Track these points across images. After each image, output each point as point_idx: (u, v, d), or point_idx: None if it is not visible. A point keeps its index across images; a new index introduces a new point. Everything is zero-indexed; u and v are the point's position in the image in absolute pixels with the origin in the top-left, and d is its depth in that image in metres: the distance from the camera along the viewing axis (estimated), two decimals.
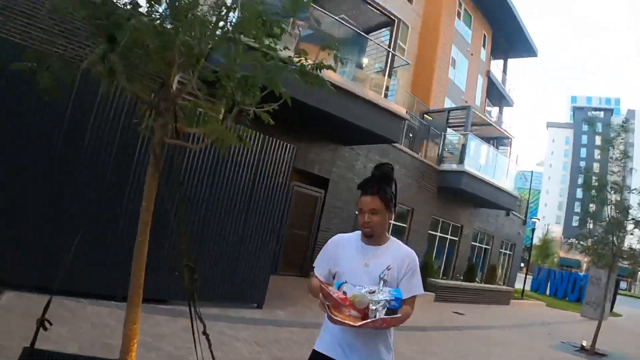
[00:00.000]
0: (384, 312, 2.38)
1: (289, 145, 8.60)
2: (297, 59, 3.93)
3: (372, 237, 2.67)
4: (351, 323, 2.33)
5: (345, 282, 2.57)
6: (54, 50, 7.30)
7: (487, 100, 31.47)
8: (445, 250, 19.60)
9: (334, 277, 2.72)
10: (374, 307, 2.38)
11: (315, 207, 13.69)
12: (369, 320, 2.34)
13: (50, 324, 3.36)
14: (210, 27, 3.76)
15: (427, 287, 16.07)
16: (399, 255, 2.65)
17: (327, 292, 2.46)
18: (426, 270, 16.44)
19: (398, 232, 16.39)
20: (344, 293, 2.44)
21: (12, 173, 6.04)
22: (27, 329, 4.47)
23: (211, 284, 7.48)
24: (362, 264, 2.65)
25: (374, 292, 2.44)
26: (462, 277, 19.64)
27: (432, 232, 18.36)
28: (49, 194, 6.23)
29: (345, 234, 2.88)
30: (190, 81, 3.66)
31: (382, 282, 2.54)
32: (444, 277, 18.86)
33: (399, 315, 2.43)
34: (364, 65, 12.87)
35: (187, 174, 7.25)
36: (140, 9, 3.56)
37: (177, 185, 5.34)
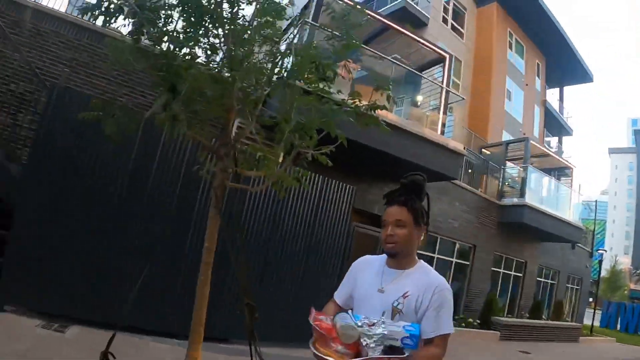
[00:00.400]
0: (379, 349, 1.97)
1: (348, 186, 8.70)
2: (351, 101, 4.02)
3: (397, 258, 2.30)
4: None
5: (341, 311, 2.22)
6: (118, 99, 7.70)
7: (545, 130, 30.69)
8: (510, 287, 18.86)
9: None
10: (364, 343, 1.98)
11: (376, 247, 13.46)
12: (362, 359, 1.96)
13: (114, 357, 3.48)
14: (266, 73, 3.91)
15: (491, 325, 15.54)
16: (422, 282, 2.23)
17: (312, 320, 2.16)
18: (491, 308, 15.93)
19: (460, 271, 16.03)
20: (335, 324, 2.07)
21: (80, 213, 6.42)
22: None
23: (272, 324, 7.50)
24: (377, 289, 2.28)
25: (373, 324, 2.03)
26: (527, 315, 18.84)
27: (495, 269, 17.73)
28: (115, 234, 6.56)
29: (374, 256, 2.52)
30: (249, 126, 3.80)
31: (395, 313, 2.16)
32: (509, 315, 18.12)
33: (405, 355, 2.00)
34: (419, 103, 12.87)
35: (248, 216, 7.43)
36: (198, 59, 3.75)
37: (238, 228, 5.46)
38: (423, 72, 13.17)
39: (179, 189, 6.94)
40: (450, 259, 15.70)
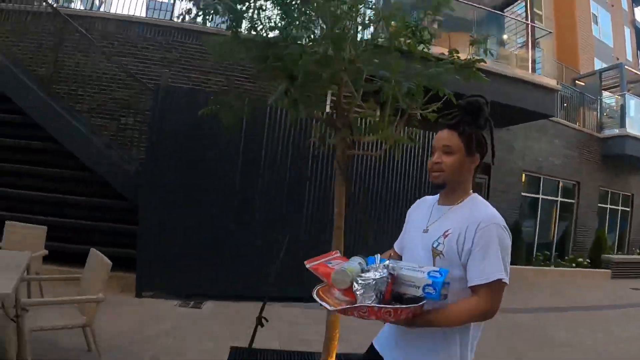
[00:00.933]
0: (369, 297, 1.65)
1: None
2: (449, 57, 3.97)
3: (444, 190, 2.00)
4: (327, 307, 1.74)
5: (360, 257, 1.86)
6: (237, 90, 8.10)
7: (638, 52, 28.55)
8: (618, 223, 18.06)
9: None
10: (354, 289, 1.69)
11: (481, 193, 13.20)
12: (346, 307, 1.67)
13: (267, 321, 3.84)
14: (365, 43, 3.91)
15: (601, 264, 15.01)
16: (466, 217, 1.86)
17: (309, 265, 1.97)
18: (600, 246, 15.39)
19: (566, 210, 15.61)
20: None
21: (200, 200, 6.91)
22: (228, 331, 5.40)
23: None
24: (423, 230, 1.97)
25: (377, 268, 1.75)
26: (638, 250, 18.01)
27: (601, 205, 17.01)
28: (235, 215, 7.05)
29: (431, 196, 2.18)
30: (357, 95, 3.84)
31: (435, 255, 1.85)
32: (619, 252, 17.39)
33: (412, 305, 1.67)
34: (505, 43, 12.41)
35: (359, 178, 7.65)
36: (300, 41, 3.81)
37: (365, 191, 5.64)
38: (505, 10, 12.66)
39: (290, 162, 7.23)
40: (555, 199, 15.33)
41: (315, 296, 1.82)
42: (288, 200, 7.22)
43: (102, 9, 11.77)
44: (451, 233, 1.84)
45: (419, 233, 1.97)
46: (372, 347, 2.11)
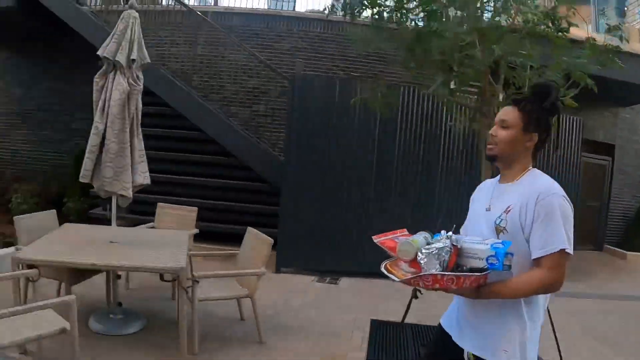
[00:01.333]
0: (436, 264, 1.71)
1: (576, 118, 8.73)
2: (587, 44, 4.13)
3: (503, 169, 2.04)
4: (394, 278, 1.79)
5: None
6: (385, 79, 8.47)
7: None
8: None
9: None
10: (418, 258, 1.74)
11: (604, 176, 12.86)
12: (411, 277, 1.73)
13: (421, 293, 4.14)
14: (503, 31, 4.12)
15: None
16: (526, 191, 1.88)
17: (377, 240, 2.11)
18: None
19: None
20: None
21: (336, 183, 7.43)
22: (365, 305, 5.88)
23: None
24: (485, 209, 2.01)
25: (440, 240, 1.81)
26: None
27: None
28: (368, 194, 7.46)
29: (492, 178, 2.20)
30: (499, 85, 4.09)
31: (499, 231, 1.88)
32: None
33: (475, 274, 1.72)
34: (625, 15, 11.86)
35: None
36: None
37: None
38: None
39: (423, 145, 7.53)
40: None
41: (383, 270, 1.89)
42: (422, 184, 7.53)
43: (219, 3, 12.43)
44: (512, 208, 1.86)
45: (482, 212, 2.01)
46: (440, 326, 2.23)
